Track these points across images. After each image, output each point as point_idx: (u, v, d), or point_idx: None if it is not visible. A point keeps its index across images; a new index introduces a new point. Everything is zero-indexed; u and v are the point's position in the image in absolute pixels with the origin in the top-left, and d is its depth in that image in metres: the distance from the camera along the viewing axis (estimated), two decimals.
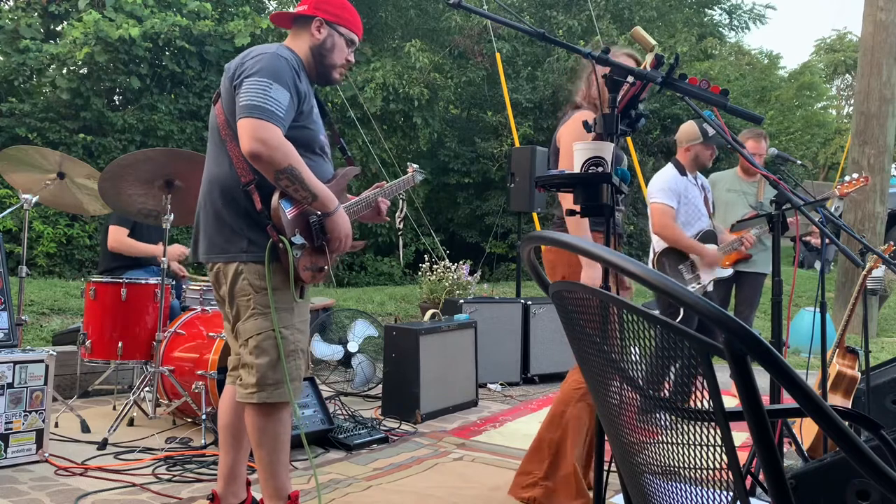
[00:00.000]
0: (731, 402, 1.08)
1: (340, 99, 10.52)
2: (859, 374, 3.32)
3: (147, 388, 3.68)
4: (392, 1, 13.20)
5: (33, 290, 6.13)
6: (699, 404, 0.84)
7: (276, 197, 2.14)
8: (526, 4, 13.87)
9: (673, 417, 0.89)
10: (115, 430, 3.42)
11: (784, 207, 2.64)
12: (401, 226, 3.03)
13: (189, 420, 3.79)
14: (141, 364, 3.86)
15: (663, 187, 3.89)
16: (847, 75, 25.57)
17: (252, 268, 2.18)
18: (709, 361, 0.81)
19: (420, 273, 6.76)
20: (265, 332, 2.18)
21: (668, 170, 3.98)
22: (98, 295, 3.75)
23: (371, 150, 10.37)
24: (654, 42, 1.79)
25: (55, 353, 3.18)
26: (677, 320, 3.45)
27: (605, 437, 1.48)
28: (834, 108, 26.29)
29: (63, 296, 6.07)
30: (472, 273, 6.69)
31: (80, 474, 2.96)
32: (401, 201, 2.91)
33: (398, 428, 3.92)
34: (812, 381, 3.43)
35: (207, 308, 3.89)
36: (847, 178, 3.32)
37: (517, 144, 8.66)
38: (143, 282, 3.80)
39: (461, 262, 6.67)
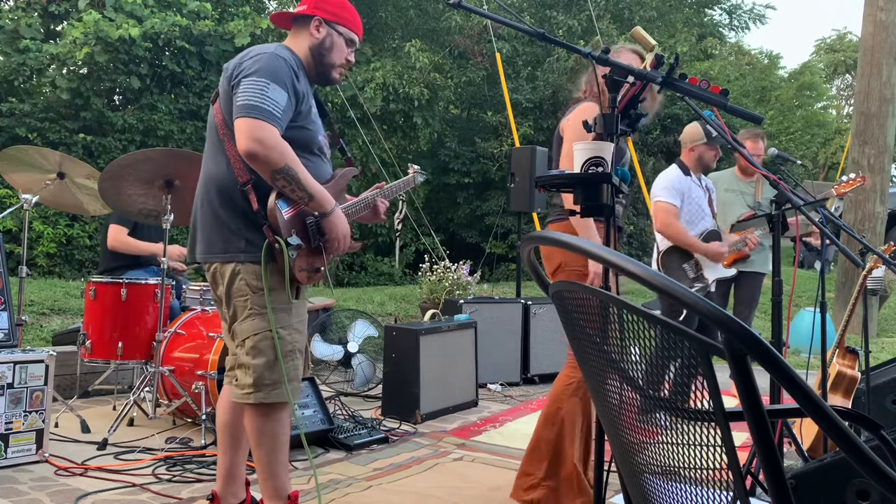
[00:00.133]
0: (731, 402, 1.08)
1: (340, 99, 10.52)
2: (859, 375, 3.32)
3: (147, 389, 3.68)
4: (392, 1, 13.19)
5: (33, 290, 6.12)
6: (699, 404, 0.84)
7: (272, 197, 2.13)
8: (526, 4, 13.87)
9: (673, 417, 0.89)
10: (115, 431, 3.42)
11: (784, 207, 2.64)
12: (399, 227, 3.03)
13: (189, 420, 3.79)
14: (141, 364, 3.86)
15: (667, 186, 3.91)
16: (847, 75, 25.56)
17: (249, 268, 2.17)
18: (709, 361, 0.81)
19: (420, 273, 6.76)
20: (262, 332, 2.17)
21: (672, 170, 4.00)
22: (98, 295, 3.75)
23: (371, 151, 10.37)
24: (654, 42, 1.79)
25: (55, 354, 3.18)
26: (680, 319, 3.46)
27: (606, 437, 1.48)
28: (834, 108, 26.30)
29: (63, 296, 6.07)
30: (472, 273, 6.68)
31: (80, 474, 2.96)
32: (401, 203, 2.91)
33: (398, 428, 3.92)
34: (812, 381, 3.43)
35: (207, 308, 3.89)
36: (844, 177, 3.32)
37: (517, 144, 8.67)
38: (143, 282, 3.80)
39: (461, 263, 6.66)
